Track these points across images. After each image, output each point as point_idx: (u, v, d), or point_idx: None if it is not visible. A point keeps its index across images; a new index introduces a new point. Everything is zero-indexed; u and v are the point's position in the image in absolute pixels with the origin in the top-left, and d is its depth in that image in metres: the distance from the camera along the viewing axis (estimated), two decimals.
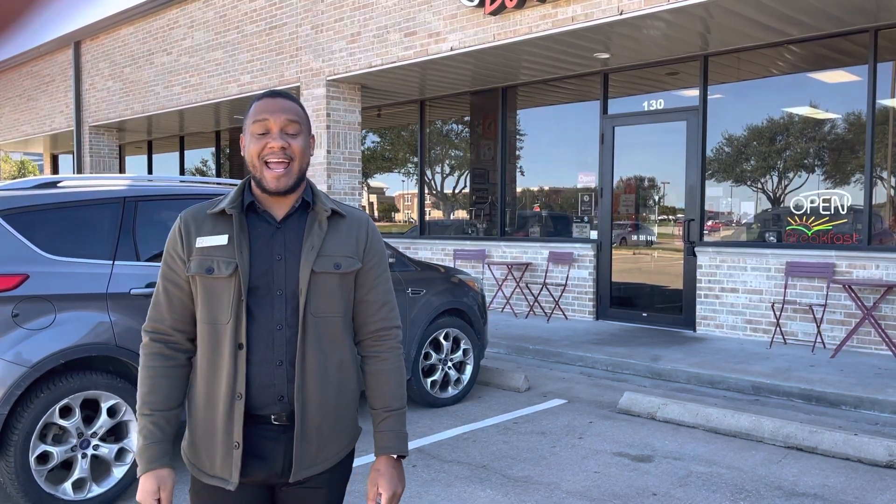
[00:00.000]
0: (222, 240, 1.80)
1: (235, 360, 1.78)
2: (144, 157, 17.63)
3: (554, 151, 10.09)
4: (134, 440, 3.97)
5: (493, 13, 7.83)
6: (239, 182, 1.94)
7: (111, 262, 4.02)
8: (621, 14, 6.93)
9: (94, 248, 4.00)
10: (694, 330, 8.44)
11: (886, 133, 7.31)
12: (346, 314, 1.90)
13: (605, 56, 8.54)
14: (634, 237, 9.26)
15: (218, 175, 15.45)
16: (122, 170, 18.19)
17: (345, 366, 1.89)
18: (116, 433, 3.99)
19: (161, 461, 1.81)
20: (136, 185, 4.32)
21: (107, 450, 3.89)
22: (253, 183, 1.86)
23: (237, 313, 1.78)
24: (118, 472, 3.93)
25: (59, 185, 4.20)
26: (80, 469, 3.80)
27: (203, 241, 1.81)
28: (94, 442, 3.87)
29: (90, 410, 3.91)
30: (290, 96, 1.84)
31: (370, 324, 1.94)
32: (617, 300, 9.27)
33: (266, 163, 1.78)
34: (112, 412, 3.92)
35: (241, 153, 1.88)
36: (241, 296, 1.78)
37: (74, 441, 3.80)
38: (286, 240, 1.83)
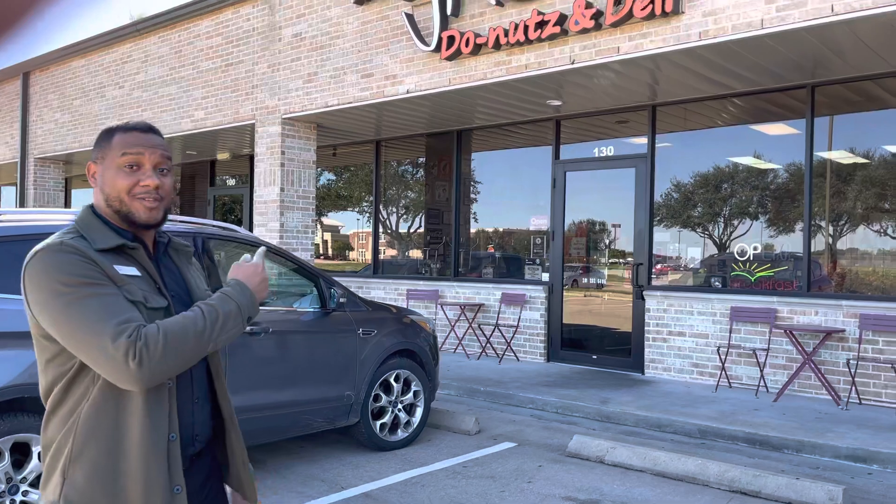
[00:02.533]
0: (134, 271, 1.69)
1: (168, 397, 1.68)
2: (91, 192, 17.24)
3: (507, 194, 10.22)
4: None
5: (449, 59, 7.97)
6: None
7: None
8: (573, 63, 7.13)
9: None
10: (642, 373, 8.53)
11: (824, 184, 7.61)
12: None
13: (558, 103, 8.75)
14: (585, 280, 9.38)
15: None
16: (67, 203, 17.74)
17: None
18: None
19: None
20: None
21: (37, 496, 3.72)
22: (110, 215, 1.72)
23: None
24: None
25: None
26: None
27: (125, 270, 1.66)
28: (24, 488, 3.69)
29: (20, 454, 3.74)
30: (159, 131, 1.81)
31: None
32: (568, 342, 9.34)
33: (136, 197, 1.71)
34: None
35: (90, 181, 1.75)
36: None
37: (3, 486, 3.62)
38: (167, 275, 1.81)
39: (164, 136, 10.49)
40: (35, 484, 3.74)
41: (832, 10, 5.73)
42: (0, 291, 3.77)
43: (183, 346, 1.56)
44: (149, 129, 1.77)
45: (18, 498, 3.67)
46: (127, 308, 1.57)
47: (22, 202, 14.88)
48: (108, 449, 1.61)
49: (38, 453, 3.73)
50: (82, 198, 17.57)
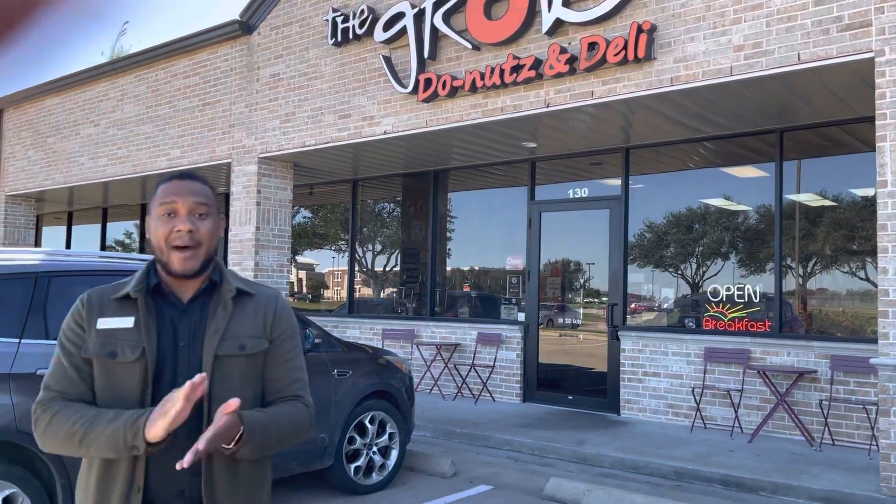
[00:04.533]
0: (127, 322, 1.74)
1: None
2: (63, 229, 17.03)
3: (483, 234, 10.28)
4: None
5: (426, 101, 8.06)
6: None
7: (18, 340, 3.81)
8: (548, 107, 7.25)
9: (0, 324, 3.79)
10: (618, 413, 8.52)
11: (793, 226, 7.76)
12: (257, 398, 1.82)
13: (533, 145, 8.87)
14: (560, 320, 9.41)
15: (141, 248, 15.02)
16: (38, 241, 17.48)
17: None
18: None
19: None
20: (50, 261, 4.15)
21: None
22: (158, 266, 1.81)
23: (142, 401, 1.71)
24: None
25: None
26: None
27: (105, 323, 1.74)
28: None
29: None
30: (198, 178, 1.82)
31: (281, 393, 1.85)
32: (544, 382, 9.31)
33: (173, 246, 1.74)
34: (8, 502, 3.64)
35: (147, 236, 1.83)
36: (147, 382, 1.71)
37: None
38: (191, 323, 1.78)
39: (142, 175, 10.34)
40: None
41: (798, 59, 5.91)
42: None
43: (53, 436, 1.67)
44: (183, 177, 1.80)
45: None
46: (61, 381, 1.72)
47: None
48: (83, 500, 1.74)
49: (2, 499, 3.60)
50: (53, 235, 17.33)
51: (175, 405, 1.55)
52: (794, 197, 7.76)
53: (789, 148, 7.73)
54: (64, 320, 1.79)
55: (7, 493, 3.62)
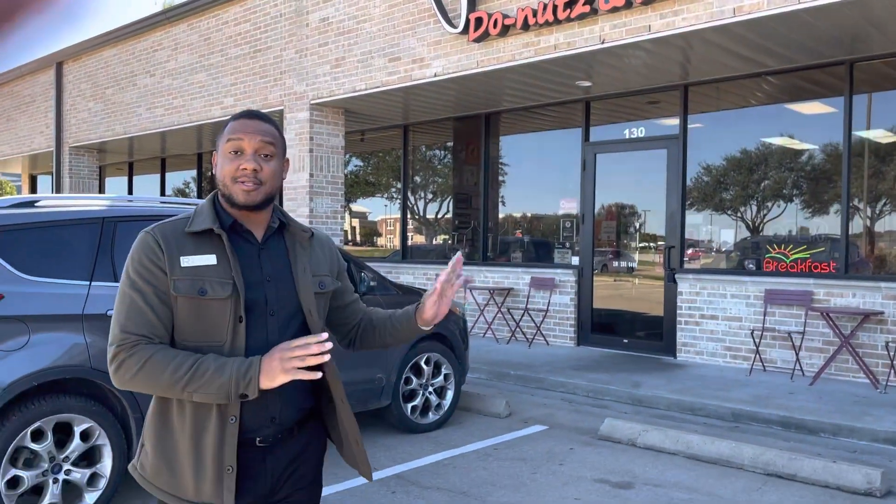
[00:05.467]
0: (210, 259, 1.76)
1: None
2: (125, 179, 17.51)
3: (536, 177, 10.15)
4: (107, 465, 3.88)
5: (477, 40, 7.91)
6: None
7: (88, 282, 3.96)
8: (603, 43, 7.03)
9: (71, 268, 3.94)
10: (674, 356, 8.46)
11: (862, 164, 7.43)
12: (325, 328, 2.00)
13: (587, 84, 8.64)
14: (615, 264, 9.30)
15: (199, 198, 15.35)
16: (101, 191, 18.04)
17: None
18: (89, 458, 3.90)
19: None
20: (115, 206, 4.28)
21: (79, 475, 3.81)
22: (222, 200, 1.84)
23: (234, 334, 1.75)
24: (90, 497, 3.83)
25: (36, 204, 4.15)
26: (51, 494, 3.71)
27: (189, 261, 1.74)
28: (66, 467, 3.78)
29: (62, 434, 3.83)
30: (266, 117, 1.85)
31: (360, 313, 2.11)
32: (598, 326, 9.28)
33: (236, 180, 1.78)
34: (85, 436, 3.84)
35: (213, 171, 1.87)
36: (240, 317, 1.75)
37: (46, 465, 3.71)
38: (272, 260, 1.85)
39: (197, 124, 10.45)
40: (77, 463, 3.83)
41: None
42: (44, 276, 3.84)
43: (152, 382, 1.66)
44: (252, 115, 1.83)
45: (61, 477, 3.76)
46: (140, 323, 1.69)
47: (57, 190, 15.16)
48: (170, 429, 1.76)
49: (80, 433, 3.81)
50: (116, 185, 17.85)
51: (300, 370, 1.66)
52: (863, 133, 7.41)
53: (860, 80, 7.35)
54: (131, 259, 1.74)
55: (84, 426, 3.82)
